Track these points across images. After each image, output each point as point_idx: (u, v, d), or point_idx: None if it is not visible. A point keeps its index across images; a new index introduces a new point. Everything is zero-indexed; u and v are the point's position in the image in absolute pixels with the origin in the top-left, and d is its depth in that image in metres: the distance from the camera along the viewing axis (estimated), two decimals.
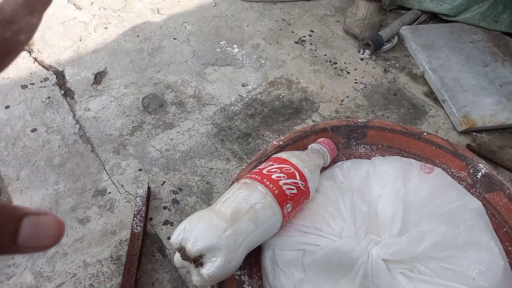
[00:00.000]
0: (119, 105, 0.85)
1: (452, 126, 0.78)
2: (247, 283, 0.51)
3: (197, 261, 0.41)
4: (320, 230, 0.50)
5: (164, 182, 0.70)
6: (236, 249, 0.42)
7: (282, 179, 0.49)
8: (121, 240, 0.61)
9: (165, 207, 0.66)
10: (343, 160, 0.64)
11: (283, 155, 0.54)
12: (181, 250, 0.42)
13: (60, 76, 0.91)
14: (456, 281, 0.42)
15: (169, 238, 0.61)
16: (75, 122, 0.82)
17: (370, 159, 0.63)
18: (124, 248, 0.60)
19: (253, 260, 0.54)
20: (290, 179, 0.50)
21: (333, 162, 0.63)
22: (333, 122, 0.66)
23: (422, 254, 0.44)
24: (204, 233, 0.41)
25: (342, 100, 0.84)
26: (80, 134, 0.80)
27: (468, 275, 0.42)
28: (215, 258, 0.41)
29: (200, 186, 0.69)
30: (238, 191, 0.48)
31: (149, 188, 0.68)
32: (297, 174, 0.51)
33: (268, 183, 0.48)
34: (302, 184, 0.51)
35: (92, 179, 0.72)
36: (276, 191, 0.47)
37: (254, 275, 0.52)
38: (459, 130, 0.76)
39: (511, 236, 0.53)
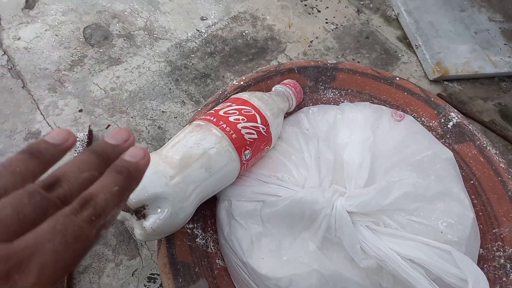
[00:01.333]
0: (56, 35, 0.74)
1: (424, 74, 0.75)
2: (201, 237, 0.47)
3: (139, 212, 0.36)
4: (282, 180, 0.46)
5: (109, 125, 0.62)
6: (185, 199, 0.37)
7: (241, 122, 0.44)
8: None
9: None
10: (310, 105, 0.60)
11: (244, 95, 0.48)
12: None
13: None
14: (423, 235, 0.39)
15: None
16: (2, 52, 0.71)
17: (338, 105, 0.58)
18: None
19: (208, 212, 0.49)
20: (250, 122, 0.44)
21: (299, 107, 0.58)
22: (300, 62, 0.60)
23: (389, 206, 0.41)
24: (147, 180, 0.36)
25: (311, 41, 0.78)
26: (9, 67, 0.69)
27: (436, 228, 0.40)
28: (160, 210, 0.36)
29: (151, 131, 0.62)
30: (189, 134, 0.42)
31: (90, 131, 0.60)
32: (258, 117, 0.46)
33: (224, 126, 0.42)
34: (263, 129, 0.46)
35: (23, 119, 0.63)
36: (233, 135, 0.42)
37: (209, 229, 0.48)
38: (431, 78, 0.73)
39: (477, 189, 0.52)
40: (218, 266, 0.46)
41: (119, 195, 0.21)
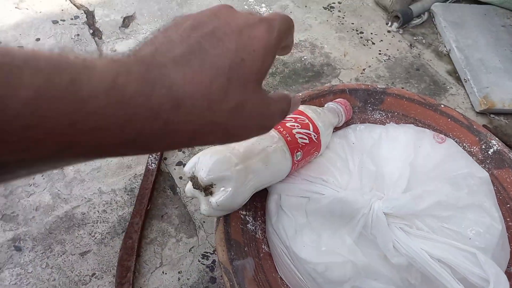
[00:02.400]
0: None
1: (471, 106, 0.77)
2: (251, 223, 0.53)
3: (207, 189, 0.43)
4: (326, 182, 0.52)
5: None
6: (244, 184, 0.44)
7: (295, 128, 0.50)
8: (135, 174, 0.64)
9: (180, 150, 0.68)
10: (358, 123, 0.65)
11: (300, 107, 0.55)
12: (193, 179, 0.44)
13: (90, 15, 0.92)
14: (452, 239, 0.43)
15: (181, 178, 0.64)
16: None
17: (384, 125, 0.63)
18: (138, 182, 0.63)
19: (259, 205, 0.56)
20: (304, 129, 0.51)
21: (347, 124, 0.64)
22: (352, 84, 0.66)
23: (423, 212, 0.45)
24: (217, 164, 0.43)
25: (363, 69, 0.84)
26: None
27: (465, 235, 0.43)
28: (224, 188, 0.43)
29: None
30: None
31: None
32: (311, 125, 0.52)
33: (281, 129, 0.49)
34: (314, 136, 0.52)
35: None
36: (288, 138, 0.49)
37: (258, 218, 0.55)
38: (477, 111, 0.76)
39: None
40: (263, 251, 0.52)
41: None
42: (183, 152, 0.67)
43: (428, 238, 0.43)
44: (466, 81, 0.80)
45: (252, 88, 0.25)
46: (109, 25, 0.91)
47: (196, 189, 0.44)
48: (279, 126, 0.49)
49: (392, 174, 0.52)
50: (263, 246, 0.52)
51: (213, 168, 0.43)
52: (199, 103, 0.22)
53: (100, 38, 0.88)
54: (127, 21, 0.93)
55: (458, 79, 0.83)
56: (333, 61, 0.84)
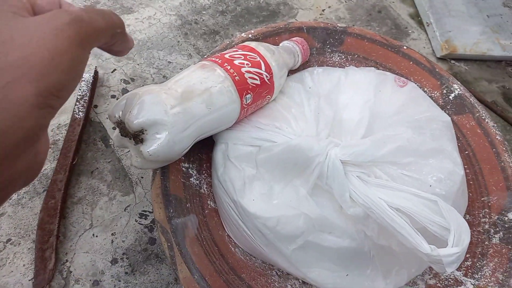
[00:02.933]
0: None
1: (432, 51, 0.74)
2: (195, 177, 0.47)
3: (137, 137, 0.36)
4: (279, 129, 0.47)
5: (115, 69, 0.62)
6: (183, 130, 0.37)
7: (245, 66, 0.44)
8: (59, 124, 0.55)
9: (113, 96, 0.59)
10: (315, 66, 0.60)
11: (251, 43, 0.48)
12: (120, 124, 0.37)
13: None
14: (412, 187, 0.40)
15: (114, 128, 0.56)
16: None
17: (343, 68, 0.58)
18: (62, 133, 0.54)
19: (204, 156, 0.50)
20: (255, 68, 0.44)
21: (304, 67, 0.58)
22: (310, 22, 0.59)
23: (382, 158, 0.41)
24: (148, 106, 0.36)
25: (323, 10, 0.77)
26: None
27: (425, 182, 0.40)
28: (158, 135, 0.36)
29: (156, 78, 0.62)
30: (193, 72, 0.42)
31: (96, 72, 0.60)
32: (262, 64, 0.45)
33: (228, 67, 0.42)
34: (266, 77, 0.46)
35: None
36: (236, 77, 0.42)
37: (204, 172, 0.49)
38: (439, 56, 0.73)
39: (471, 160, 0.52)
40: (209, 207, 0.47)
41: None
42: (116, 98, 0.59)
43: (387, 186, 0.39)
44: (428, 25, 0.76)
45: None
46: None
47: (125, 136, 0.37)
48: (226, 63, 0.43)
49: (350, 120, 0.48)
50: (208, 202, 0.47)
51: (144, 110, 0.36)
52: None
53: None
54: None
55: (420, 23, 0.79)
56: (291, 0, 0.77)
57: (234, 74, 0.42)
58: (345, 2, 0.79)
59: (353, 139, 0.45)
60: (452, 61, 0.73)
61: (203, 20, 0.72)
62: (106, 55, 0.64)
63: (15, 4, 0.19)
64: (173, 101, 0.37)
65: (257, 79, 0.44)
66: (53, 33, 0.18)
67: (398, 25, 0.78)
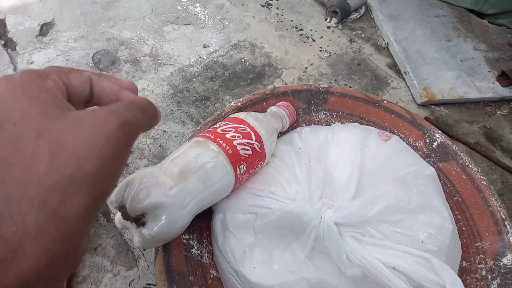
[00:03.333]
0: (67, 60, 0.78)
1: (412, 98, 0.79)
2: (196, 247, 0.49)
3: (139, 220, 0.38)
4: (274, 194, 0.49)
5: None
6: (182, 208, 0.40)
7: (236, 139, 0.47)
8: None
9: None
10: (303, 126, 0.63)
11: (240, 115, 0.52)
12: (122, 208, 0.39)
13: (0, 24, 0.82)
14: (405, 244, 0.42)
15: None
16: None
17: (330, 125, 0.62)
18: None
19: (204, 225, 0.52)
20: (245, 139, 0.48)
21: (292, 127, 0.62)
22: (294, 86, 0.64)
23: (374, 218, 0.43)
24: (148, 190, 0.38)
25: (306, 68, 0.82)
26: None
27: (417, 238, 0.42)
28: (158, 217, 0.38)
29: (152, 149, 0.65)
30: (188, 149, 0.45)
31: None
32: (253, 134, 0.49)
33: (221, 142, 0.46)
34: (257, 146, 0.49)
35: None
36: (229, 151, 0.45)
37: (204, 240, 0.51)
38: (419, 103, 0.77)
39: (461, 205, 0.55)
40: (211, 276, 0.48)
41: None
42: None
43: (381, 245, 0.41)
44: (406, 74, 0.81)
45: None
46: (24, 34, 0.82)
47: (127, 220, 0.39)
48: (218, 138, 0.46)
49: (341, 179, 0.50)
50: (211, 271, 0.48)
51: (144, 195, 0.38)
52: None
53: (14, 49, 0.78)
54: (45, 29, 0.84)
55: (398, 72, 0.84)
56: (275, 61, 0.82)
57: (227, 148, 0.45)
58: (326, 58, 0.85)
59: (344, 199, 0.47)
60: (432, 106, 0.78)
61: (193, 87, 0.76)
62: None
63: (54, 93, 0.19)
64: (171, 182, 0.40)
65: (248, 149, 0.47)
66: (103, 138, 0.17)
67: (378, 76, 0.83)
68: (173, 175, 0.41)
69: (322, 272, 0.43)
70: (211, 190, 0.43)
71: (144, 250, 0.53)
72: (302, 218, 0.44)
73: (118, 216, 0.40)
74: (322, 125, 0.64)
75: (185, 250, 0.47)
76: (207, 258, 0.49)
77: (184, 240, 0.48)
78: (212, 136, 0.46)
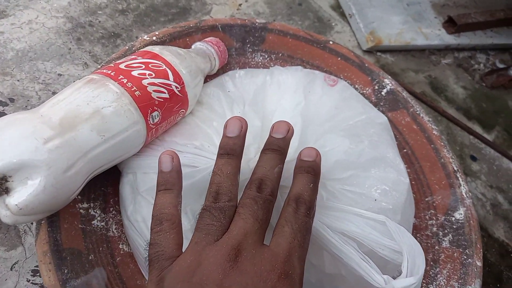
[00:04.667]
0: None
1: (357, 44, 0.73)
2: (99, 218, 0.39)
3: (1, 185, 0.28)
4: (200, 149, 0.40)
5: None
6: (66, 169, 0.29)
7: (147, 78, 0.37)
8: None
9: None
10: (236, 69, 0.54)
11: (154, 49, 0.41)
12: None
13: None
14: (356, 204, 0.36)
15: None
16: None
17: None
18: None
19: (110, 189, 0.42)
20: (160, 78, 0.38)
21: (223, 71, 0.52)
22: (225, 19, 0.54)
23: (321, 177, 0.37)
24: (13, 143, 0.28)
25: (240, 4, 0.72)
26: None
27: (370, 196, 0.37)
28: (29, 181, 0.28)
29: (43, 96, 0.52)
30: (77, 90, 0.34)
31: None
32: (170, 73, 0.39)
33: (125, 81, 0.35)
34: (177, 88, 0.39)
35: None
36: (136, 92, 0.35)
37: (111, 209, 0.41)
38: (364, 48, 0.72)
39: (410, 158, 0.51)
40: (121, 252, 0.39)
41: (314, 189, 0.29)
42: None
43: (328, 207, 0.35)
44: (351, 16, 0.75)
45: None
46: None
47: None
48: (121, 76, 0.35)
49: None
50: (120, 246, 0.39)
51: (5, 150, 0.27)
52: None
53: None
54: None
55: (342, 15, 0.78)
56: None
57: (133, 89, 0.35)
58: None
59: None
60: (378, 53, 0.73)
61: (99, 21, 0.62)
62: None
63: None
64: (49, 132, 0.29)
65: (164, 92, 0.38)
66: None
67: (321, 18, 0.76)
68: (53, 123, 0.30)
69: None
70: (112, 144, 0.33)
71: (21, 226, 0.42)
72: None
73: None
74: (260, 68, 0.55)
75: (82, 222, 0.37)
76: (115, 231, 0.40)
77: (81, 210, 0.38)
78: (112, 73, 0.35)
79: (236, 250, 0.23)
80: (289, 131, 0.32)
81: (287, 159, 0.39)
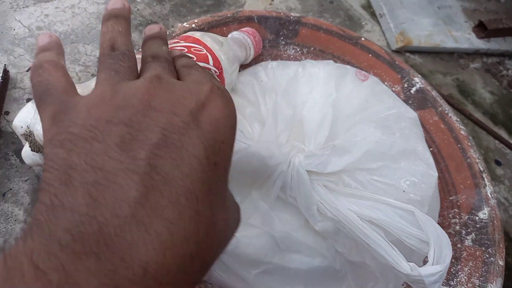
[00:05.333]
0: None
1: (387, 44, 0.73)
2: None
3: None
4: None
5: (31, 68, 0.53)
6: None
7: None
8: None
9: (29, 99, 0.50)
10: (269, 60, 0.55)
11: (195, 34, 0.42)
12: (30, 137, 0.30)
13: None
14: (385, 194, 0.37)
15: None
16: None
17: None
18: None
19: None
20: (201, 62, 0.39)
21: (256, 61, 0.53)
22: (261, 11, 0.55)
23: (351, 166, 0.38)
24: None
25: (272, 0, 0.73)
26: None
27: (398, 187, 0.37)
28: None
29: (82, 77, 0.54)
30: None
31: (6, 71, 0.51)
32: (210, 58, 0.40)
33: None
34: (216, 73, 0.40)
35: None
36: None
37: None
38: (394, 48, 0.72)
39: (436, 157, 0.51)
40: None
41: (169, 52, 0.24)
42: (33, 102, 0.50)
43: (357, 196, 0.36)
44: (381, 16, 0.75)
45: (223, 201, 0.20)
46: None
47: (37, 152, 0.30)
48: None
49: (312, 120, 0.44)
50: None
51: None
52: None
53: None
54: None
55: (373, 14, 0.78)
56: None
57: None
58: None
59: (316, 144, 0.41)
60: (407, 54, 0.73)
61: (137, 9, 0.64)
62: (19, 50, 0.55)
63: None
64: None
65: None
66: None
67: (351, 17, 0.76)
68: None
69: (286, 225, 0.38)
70: None
71: None
72: (267, 162, 0.37)
73: (25, 149, 0.31)
74: (291, 61, 0.56)
75: None
76: None
77: None
78: None
79: (157, 77, 0.19)
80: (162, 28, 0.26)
81: (312, 149, 0.40)
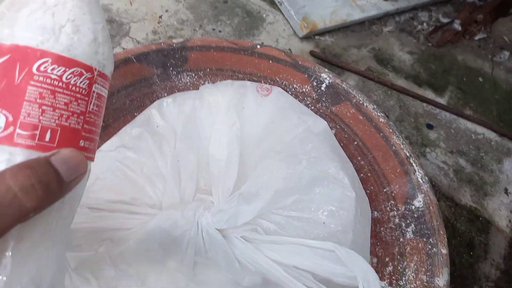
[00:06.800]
0: None
1: (293, 32, 0.71)
2: None
3: None
4: (132, 204, 0.38)
5: None
6: None
7: None
8: None
9: None
10: (164, 96, 0.51)
11: None
12: None
13: None
14: (305, 231, 0.35)
15: None
16: None
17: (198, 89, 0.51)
18: None
19: None
20: None
21: (150, 101, 0.50)
22: (137, 49, 0.50)
23: (264, 210, 0.36)
24: None
25: (160, 17, 0.68)
26: None
27: (317, 220, 0.35)
28: None
29: None
30: None
31: None
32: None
33: None
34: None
35: None
36: None
37: None
38: (301, 36, 0.69)
39: (362, 149, 0.50)
40: None
41: None
42: None
43: (277, 242, 0.34)
44: (280, 4, 0.72)
45: None
46: None
47: None
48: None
49: (218, 159, 0.41)
50: None
51: None
52: None
53: None
54: None
55: (272, 3, 0.75)
56: (117, 14, 0.66)
57: None
58: (183, 0, 0.71)
59: (225, 189, 0.38)
60: (317, 37, 0.71)
61: None
62: None
63: None
64: None
65: None
66: None
67: (250, 12, 0.73)
68: None
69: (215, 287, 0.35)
70: None
71: None
72: (172, 233, 0.34)
73: None
74: (189, 89, 0.52)
75: None
76: None
77: None
78: None
79: None
80: None
81: (221, 198, 0.37)
